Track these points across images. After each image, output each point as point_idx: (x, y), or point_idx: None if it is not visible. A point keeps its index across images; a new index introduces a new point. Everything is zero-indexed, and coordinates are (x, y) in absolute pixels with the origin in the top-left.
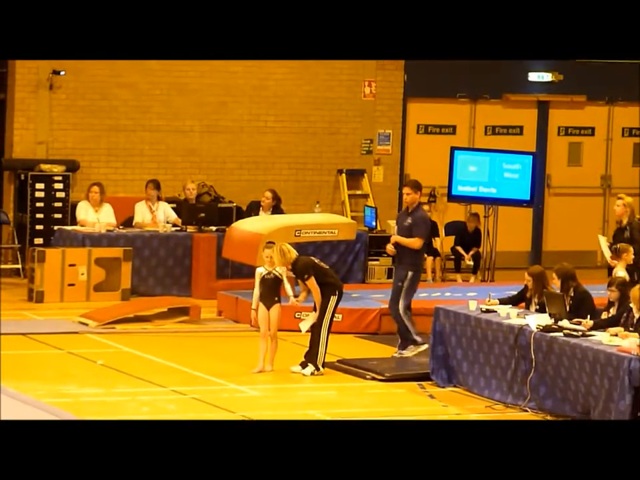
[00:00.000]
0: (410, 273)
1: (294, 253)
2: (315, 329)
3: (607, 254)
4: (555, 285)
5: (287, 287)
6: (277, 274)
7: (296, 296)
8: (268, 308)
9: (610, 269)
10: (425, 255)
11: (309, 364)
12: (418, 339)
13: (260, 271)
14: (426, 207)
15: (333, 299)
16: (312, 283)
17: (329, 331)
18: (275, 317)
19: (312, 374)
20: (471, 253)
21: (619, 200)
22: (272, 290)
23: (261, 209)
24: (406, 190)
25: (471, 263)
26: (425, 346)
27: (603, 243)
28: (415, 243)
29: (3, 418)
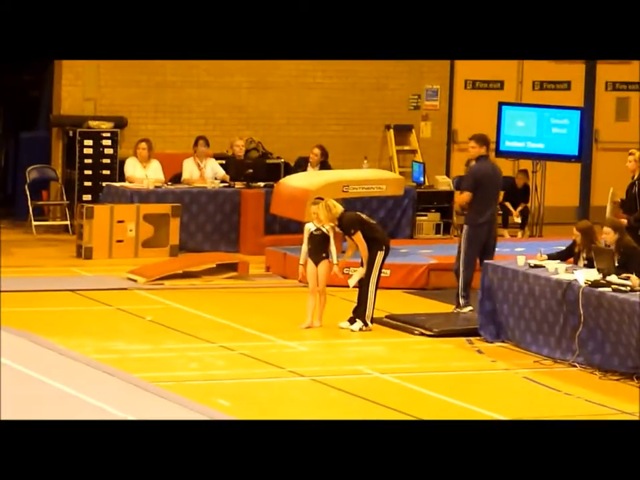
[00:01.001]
0: (465, 227)
1: (340, 208)
2: (363, 285)
3: (608, 209)
4: (607, 239)
5: (333, 249)
6: (324, 230)
7: (343, 251)
8: (316, 264)
9: None
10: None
11: (357, 320)
12: (461, 300)
13: (309, 227)
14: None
15: (380, 254)
16: (358, 237)
17: (377, 287)
18: (323, 272)
19: (360, 329)
20: (519, 208)
21: (631, 155)
22: (320, 246)
23: (309, 164)
24: (470, 143)
25: (519, 219)
26: (469, 308)
27: (610, 197)
28: (461, 196)
29: (54, 377)
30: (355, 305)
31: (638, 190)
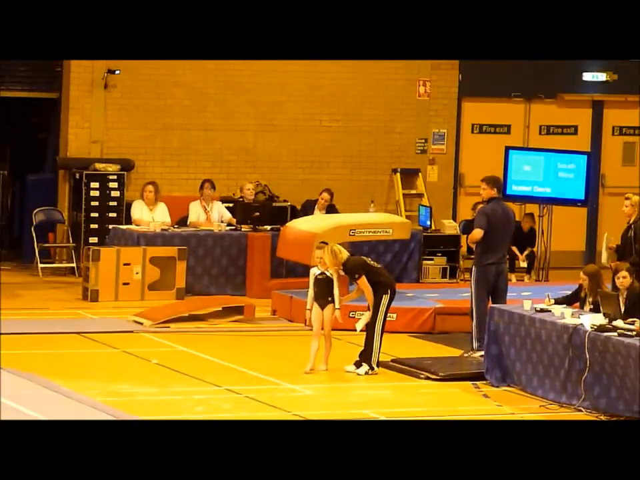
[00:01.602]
0: (473, 268)
1: (345, 254)
2: (369, 328)
3: (604, 256)
4: (623, 283)
5: (336, 293)
6: (328, 274)
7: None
8: (322, 307)
9: None
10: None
11: (363, 363)
12: (475, 343)
13: (314, 272)
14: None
15: (385, 298)
16: (363, 282)
17: (383, 330)
18: (329, 317)
19: (366, 373)
20: (525, 253)
21: (627, 200)
22: (325, 290)
23: (316, 207)
24: (482, 185)
25: (525, 264)
26: (480, 353)
27: (605, 242)
28: (472, 234)
29: (62, 418)
30: (362, 348)
31: (634, 234)
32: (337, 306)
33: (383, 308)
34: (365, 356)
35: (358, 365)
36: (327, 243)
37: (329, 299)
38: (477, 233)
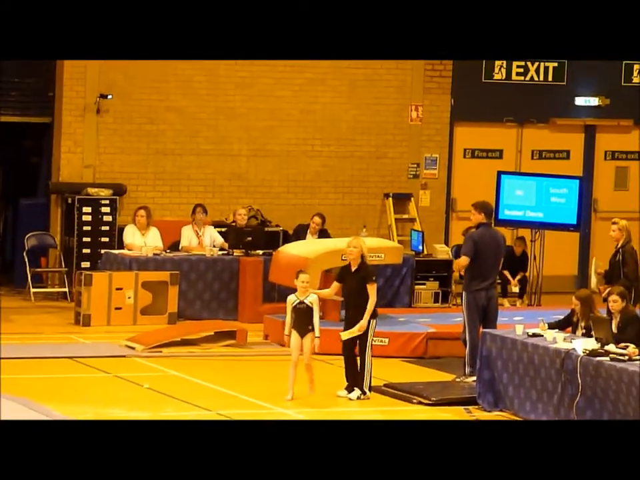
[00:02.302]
0: (463, 294)
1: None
2: (360, 353)
3: (593, 281)
4: (614, 307)
5: (316, 321)
6: (308, 303)
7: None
8: (301, 336)
9: None
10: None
11: (355, 388)
12: (467, 369)
13: (291, 299)
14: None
15: (373, 322)
16: (374, 288)
17: (371, 354)
18: (309, 346)
19: (358, 398)
20: (518, 277)
21: (614, 225)
22: (305, 319)
23: (308, 232)
24: (471, 210)
25: (517, 288)
26: (473, 378)
27: (594, 268)
28: (458, 261)
29: None
30: (345, 370)
31: (621, 258)
32: (317, 334)
33: (372, 332)
34: (357, 380)
35: (349, 389)
36: (304, 272)
37: (309, 327)
38: (463, 260)
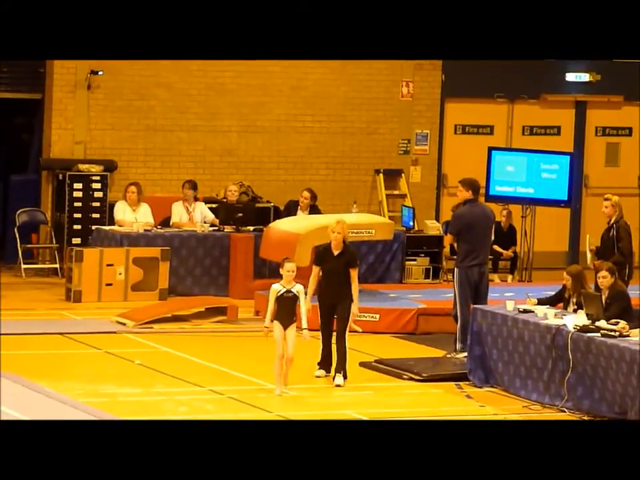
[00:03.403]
0: (455, 270)
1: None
2: (339, 337)
3: (589, 257)
4: (603, 283)
5: (303, 311)
6: (295, 292)
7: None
8: (285, 327)
9: None
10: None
11: (338, 373)
12: (458, 345)
13: (276, 288)
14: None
15: (354, 306)
16: (356, 273)
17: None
18: (294, 339)
19: (343, 383)
20: (510, 251)
21: (606, 201)
22: (290, 309)
23: (298, 208)
24: (458, 187)
25: (511, 253)
26: (463, 354)
27: (587, 244)
28: (446, 239)
29: (41, 418)
30: (322, 353)
31: (616, 233)
32: (304, 326)
33: (351, 316)
34: (340, 366)
35: (326, 368)
36: (291, 260)
37: (294, 318)
38: (448, 239)
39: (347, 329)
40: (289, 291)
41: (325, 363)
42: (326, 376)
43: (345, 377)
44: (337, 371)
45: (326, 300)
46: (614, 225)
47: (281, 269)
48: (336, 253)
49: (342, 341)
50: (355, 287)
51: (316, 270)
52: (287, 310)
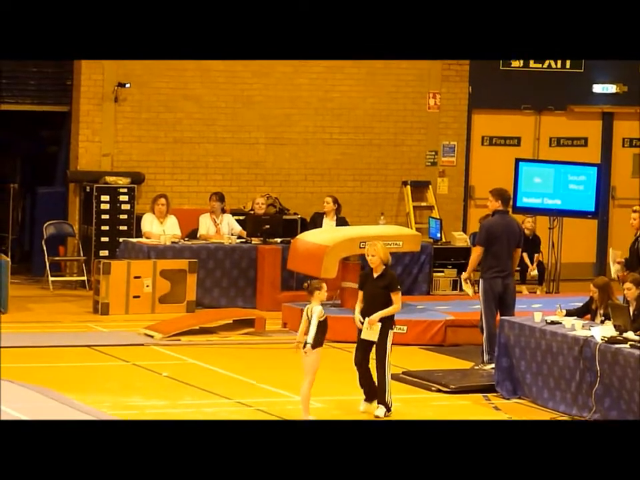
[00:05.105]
0: (480, 281)
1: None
2: (378, 366)
3: (613, 270)
4: (628, 295)
5: (313, 331)
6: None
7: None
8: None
9: None
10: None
11: (379, 405)
12: (485, 356)
13: (318, 310)
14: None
15: (391, 333)
16: (399, 296)
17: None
18: (319, 360)
19: (385, 415)
20: (535, 261)
21: (634, 213)
22: (324, 334)
23: (324, 216)
24: (488, 197)
25: (536, 272)
26: (491, 365)
27: (612, 257)
28: (473, 250)
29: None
30: (359, 379)
31: (639, 246)
32: (311, 341)
33: (390, 343)
34: (378, 395)
35: (369, 400)
36: (322, 281)
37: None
38: (475, 250)
39: (387, 357)
40: (324, 315)
41: (368, 396)
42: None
43: (388, 409)
44: (378, 402)
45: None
46: (638, 238)
47: (320, 292)
48: (375, 276)
49: (381, 371)
50: (393, 308)
51: (360, 295)
52: (322, 334)
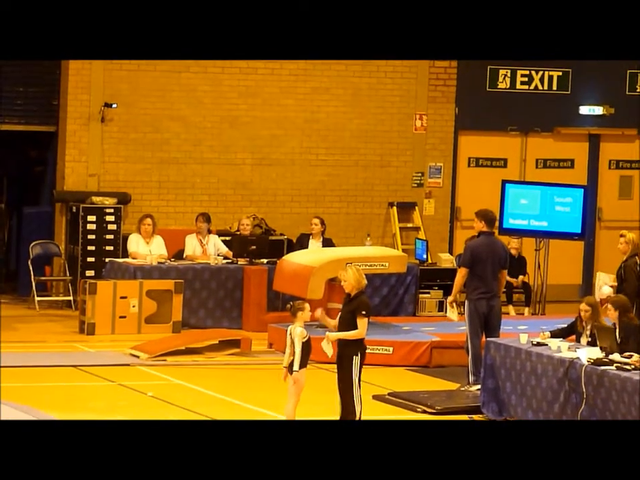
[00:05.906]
0: (465, 303)
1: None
2: (344, 395)
3: (597, 293)
4: (609, 316)
5: (298, 352)
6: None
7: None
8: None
9: None
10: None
11: None
12: (471, 378)
13: (299, 333)
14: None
15: (357, 359)
16: (364, 322)
17: (360, 394)
18: (304, 381)
19: None
20: (519, 282)
21: (622, 237)
22: (309, 355)
23: (310, 237)
24: (474, 219)
25: (520, 281)
26: (477, 387)
27: (598, 281)
28: (458, 272)
29: None
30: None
31: (623, 273)
32: (297, 367)
33: (356, 370)
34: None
35: None
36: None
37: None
38: (460, 271)
39: (353, 383)
40: (308, 336)
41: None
42: None
43: None
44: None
45: (338, 349)
46: (622, 265)
47: (304, 312)
48: (347, 300)
49: (346, 396)
50: (353, 333)
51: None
52: (307, 356)
